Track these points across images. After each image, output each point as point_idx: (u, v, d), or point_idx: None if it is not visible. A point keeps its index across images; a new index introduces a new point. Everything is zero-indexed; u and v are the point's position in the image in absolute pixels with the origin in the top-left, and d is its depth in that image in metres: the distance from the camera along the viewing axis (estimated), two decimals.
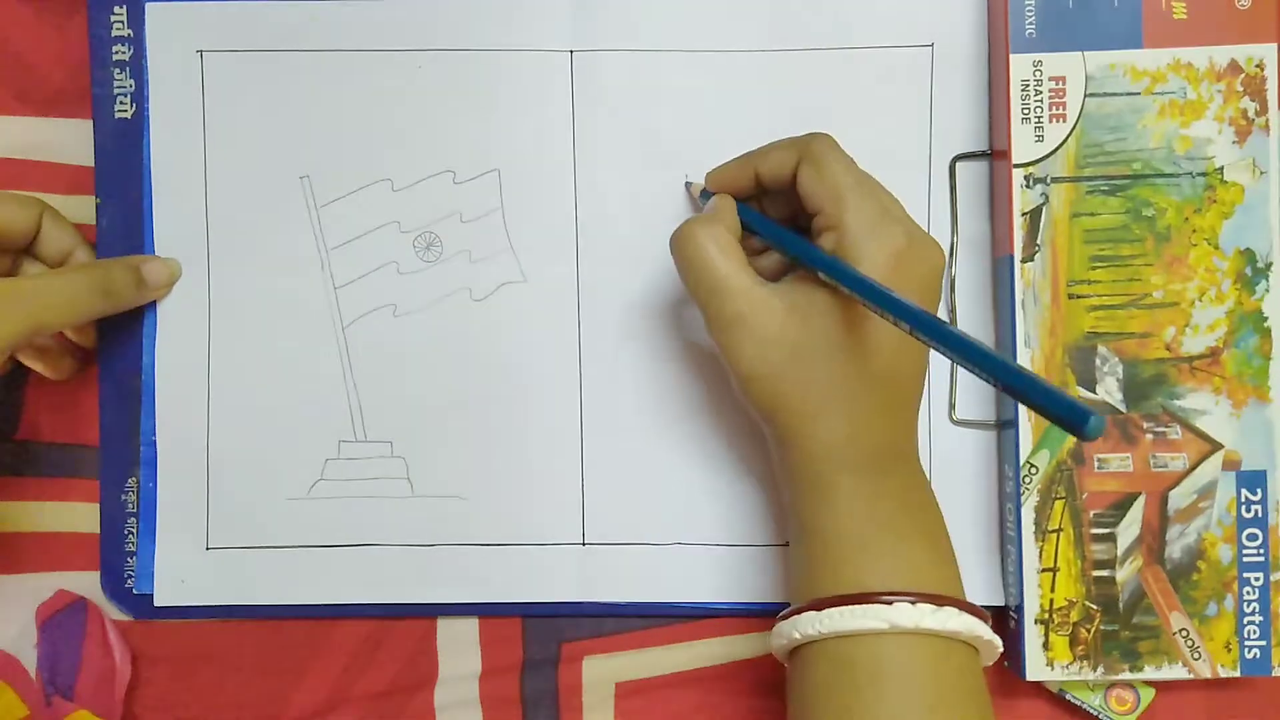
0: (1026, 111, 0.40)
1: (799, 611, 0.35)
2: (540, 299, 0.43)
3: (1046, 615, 0.40)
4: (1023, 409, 0.40)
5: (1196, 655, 0.40)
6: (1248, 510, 0.40)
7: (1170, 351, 0.40)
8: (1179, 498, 0.40)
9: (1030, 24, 0.40)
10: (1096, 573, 0.40)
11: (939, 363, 0.42)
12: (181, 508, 0.43)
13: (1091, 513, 0.40)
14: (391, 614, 0.43)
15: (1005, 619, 0.42)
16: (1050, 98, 0.40)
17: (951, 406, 0.43)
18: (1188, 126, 0.40)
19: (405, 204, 0.43)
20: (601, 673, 0.43)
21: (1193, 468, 0.40)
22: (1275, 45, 0.40)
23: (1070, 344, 0.41)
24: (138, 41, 0.43)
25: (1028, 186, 0.40)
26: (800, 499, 0.36)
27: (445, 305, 0.43)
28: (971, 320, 0.43)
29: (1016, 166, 0.40)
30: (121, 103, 0.43)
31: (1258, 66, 0.40)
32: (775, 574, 0.43)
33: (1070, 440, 0.40)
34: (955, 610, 0.34)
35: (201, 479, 0.43)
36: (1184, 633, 0.40)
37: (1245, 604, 0.40)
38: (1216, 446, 0.40)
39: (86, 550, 0.44)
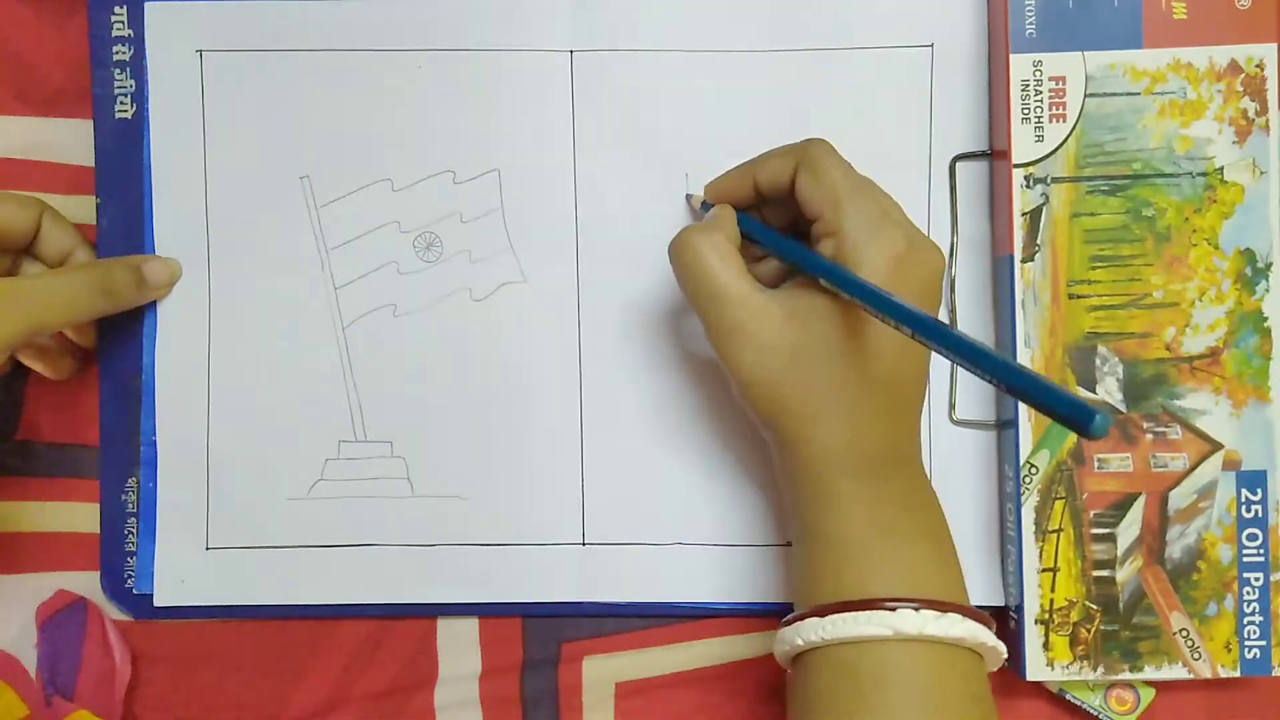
0: (1026, 111, 0.40)
1: (802, 618, 0.35)
2: (540, 299, 0.43)
3: (1046, 615, 0.40)
4: (1023, 409, 0.40)
5: (1196, 655, 0.40)
6: (1248, 510, 0.40)
7: (1170, 351, 0.40)
8: (1179, 498, 0.40)
9: (1030, 24, 0.40)
10: (1096, 573, 0.40)
11: (939, 363, 0.42)
12: (181, 508, 0.43)
13: (1091, 513, 0.40)
14: (391, 614, 0.43)
15: (1005, 619, 0.42)
16: (1050, 98, 0.40)
17: (951, 406, 0.43)
18: (1188, 126, 0.40)
19: (405, 204, 0.43)
20: (601, 673, 0.43)
21: (1193, 468, 0.40)
22: (1275, 45, 0.40)
23: (1070, 344, 0.41)
24: (138, 41, 0.43)
25: (1028, 186, 0.40)
26: (802, 504, 0.36)
27: (445, 305, 0.43)
28: (971, 320, 0.43)
29: (1016, 166, 0.40)
30: (121, 103, 0.43)
31: (1258, 66, 0.40)
32: (775, 574, 0.43)
33: (1070, 440, 0.40)
34: (959, 616, 0.34)
35: (201, 479, 0.43)
36: (1184, 633, 0.40)
37: (1245, 604, 0.40)
38: (1216, 446, 0.40)
39: (86, 550, 0.44)
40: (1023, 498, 0.40)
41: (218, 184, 0.43)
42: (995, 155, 0.42)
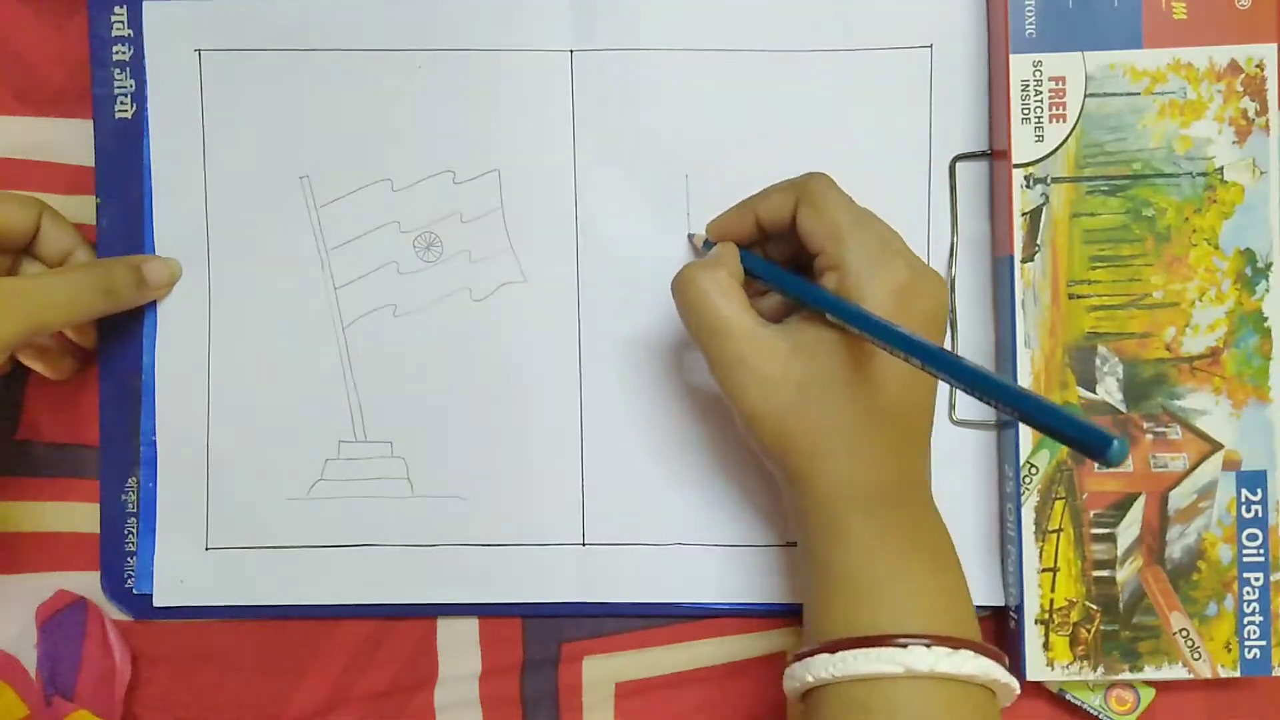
0: (1026, 111, 0.40)
1: (813, 653, 0.35)
2: (540, 299, 0.43)
3: (1046, 615, 0.40)
4: None
5: (1196, 655, 0.40)
6: (1248, 510, 0.40)
7: (1170, 351, 0.40)
8: (1179, 498, 0.40)
9: (1030, 24, 0.40)
10: (1096, 573, 0.40)
11: None
12: (181, 508, 0.43)
13: (1091, 513, 0.40)
14: (391, 614, 0.43)
15: (1005, 619, 0.42)
16: (1050, 98, 0.40)
17: (951, 407, 0.43)
18: (1188, 126, 0.40)
19: (405, 204, 0.43)
20: (601, 673, 0.43)
21: (1193, 468, 0.40)
22: (1275, 45, 0.40)
23: (1070, 344, 0.41)
24: (138, 41, 0.43)
25: (1028, 186, 0.40)
26: (812, 538, 0.36)
27: (445, 305, 0.43)
28: (971, 320, 0.43)
29: (1016, 166, 0.40)
30: (121, 103, 0.43)
31: (1258, 66, 0.40)
32: (775, 574, 0.43)
33: None
34: (971, 653, 0.33)
35: (201, 479, 0.43)
36: (1184, 633, 0.40)
37: (1245, 604, 0.40)
38: (1216, 446, 0.40)
39: (86, 550, 0.44)
40: (1023, 498, 0.40)
41: (218, 184, 0.43)
42: (995, 155, 0.42)
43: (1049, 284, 0.41)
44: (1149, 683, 0.42)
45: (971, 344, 0.43)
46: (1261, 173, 0.40)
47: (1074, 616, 0.40)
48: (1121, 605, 0.40)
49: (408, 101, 0.43)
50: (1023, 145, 0.40)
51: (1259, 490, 0.40)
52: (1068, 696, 0.42)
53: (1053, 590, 0.40)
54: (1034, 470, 0.40)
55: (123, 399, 0.43)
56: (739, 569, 0.43)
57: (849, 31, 0.43)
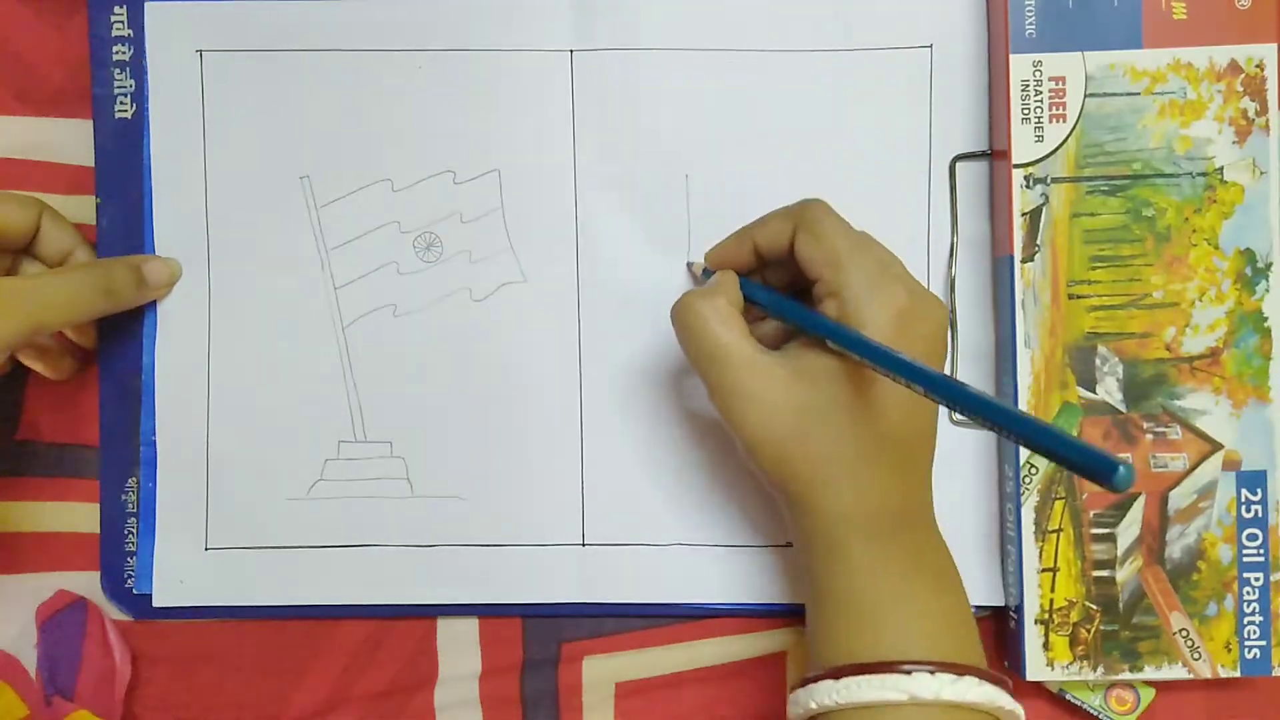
0: (1026, 111, 0.40)
1: (817, 679, 0.34)
2: (540, 299, 0.43)
3: (1046, 615, 0.40)
4: (1023, 408, 0.40)
5: (1196, 655, 0.40)
6: (1248, 510, 0.40)
7: (1170, 351, 0.40)
8: (1179, 498, 0.40)
9: (1030, 24, 0.40)
10: (1096, 573, 0.40)
11: None
12: (181, 508, 0.43)
13: (1091, 513, 0.40)
14: (391, 614, 0.43)
15: (1005, 619, 0.42)
16: (1050, 98, 0.40)
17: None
18: (1188, 126, 0.40)
19: (405, 204, 0.43)
20: (601, 673, 0.43)
21: (1193, 468, 0.40)
22: (1275, 45, 0.40)
23: (1070, 344, 0.41)
24: (138, 41, 0.43)
25: (1028, 186, 0.40)
26: (815, 564, 0.36)
27: (445, 305, 0.43)
28: (971, 320, 0.43)
29: (1016, 166, 0.40)
30: (121, 103, 0.43)
31: (1258, 66, 0.40)
32: (775, 574, 0.43)
33: None
34: (975, 680, 0.33)
35: (201, 479, 0.43)
36: (1184, 633, 0.40)
37: (1245, 604, 0.40)
38: (1216, 446, 0.40)
39: (86, 550, 0.44)
40: (1023, 498, 0.40)
41: (218, 184, 0.43)
42: (995, 155, 0.42)
43: (1049, 284, 0.41)
44: (1149, 683, 0.42)
45: (971, 344, 0.43)
46: (1261, 173, 0.40)
47: (1074, 616, 0.40)
48: (1121, 605, 0.40)
49: (408, 101, 0.43)
50: (1023, 145, 0.40)
51: (1259, 490, 0.40)
52: (1068, 696, 0.42)
53: (1053, 590, 0.40)
54: (1034, 470, 0.40)
55: (123, 399, 0.43)
56: (739, 569, 0.43)
57: (849, 31, 0.43)
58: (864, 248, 0.36)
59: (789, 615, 0.43)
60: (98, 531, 0.44)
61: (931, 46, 0.43)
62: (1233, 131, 0.40)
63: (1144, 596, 0.40)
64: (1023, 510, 0.40)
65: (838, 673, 0.34)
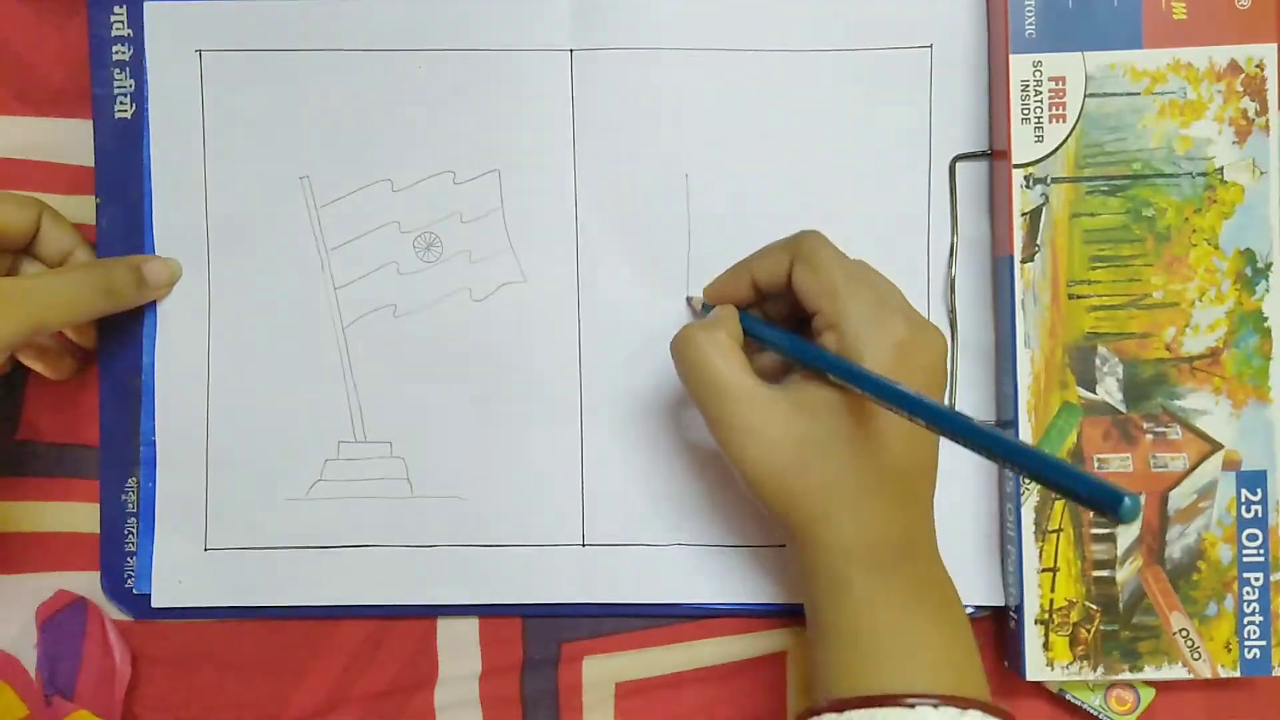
0: (1026, 112, 0.40)
1: (819, 712, 0.34)
2: (540, 299, 0.43)
3: (1046, 615, 0.40)
4: (1023, 408, 0.40)
5: (1196, 655, 0.40)
6: (1248, 510, 0.40)
7: (1170, 351, 0.40)
8: (1179, 498, 0.40)
9: (1030, 24, 0.40)
10: (1096, 573, 0.40)
11: None
12: (181, 508, 0.43)
13: (1091, 513, 0.40)
14: (391, 614, 0.43)
15: (1005, 619, 0.42)
16: (1050, 98, 0.40)
17: (951, 407, 0.43)
18: (1188, 126, 0.40)
19: (405, 204, 0.43)
20: (601, 673, 0.43)
21: (1193, 468, 0.40)
22: (1275, 45, 0.40)
23: (1070, 344, 0.41)
24: (138, 41, 0.43)
25: (1028, 186, 0.40)
26: (818, 596, 0.36)
27: (445, 305, 0.43)
28: (971, 320, 0.43)
29: (1016, 167, 0.40)
30: (121, 103, 0.43)
31: (1258, 66, 0.40)
32: (775, 574, 0.43)
33: (1070, 440, 0.40)
34: (979, 714, 0.33)
35: (201, 479, 0.43)
36: (1184, 633, 0.40)
37: (1245, 604, 0.40)
38: (1216, 446, 0.40)
39: (86, 550, 0.44)
40: (1023, 498, 0.40)
41: (218, 184, 0.43)
42: (995, 155, 0.42)
43: (1049, 284, 0.41)
44: (1149, 683, 0.42)
45: (971, 344, 0.43)
46: (1261, 173, 0.40)
47: (1074, 616, 0.40)
48: (1121, 605, 0.40)
49: (408, 101, 0.43)
50: (1023, 145, 0.40)
51: (1259, 490, 0.40)
52: (1068, 696, 0.42)
53: (1052, 590, 0.40)
54: None
55: (123, 399, 0.43)
56: (739, 569, 0.43)
57: (849, 31, 0.43)
58: (861, 279, 0.36)
59: (789, 615, 0.43)
60: (98, 531, 0.44)
61: (931, 46, 0.43)
62: (1233, 131, 0.40)
63: (1144, 596, 0.40)
64: (1023, 510, 0.40)
65: (840, 705, 0.34)
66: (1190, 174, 0.40)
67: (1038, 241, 0.41)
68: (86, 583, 0.44)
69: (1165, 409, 0.40)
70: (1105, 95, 0.40)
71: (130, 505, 0.43)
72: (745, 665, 0.44)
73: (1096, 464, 0.40)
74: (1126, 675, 0.41)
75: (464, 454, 0.43)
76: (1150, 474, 0.40)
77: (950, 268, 0.43)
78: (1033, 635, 0.40)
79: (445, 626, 0.44)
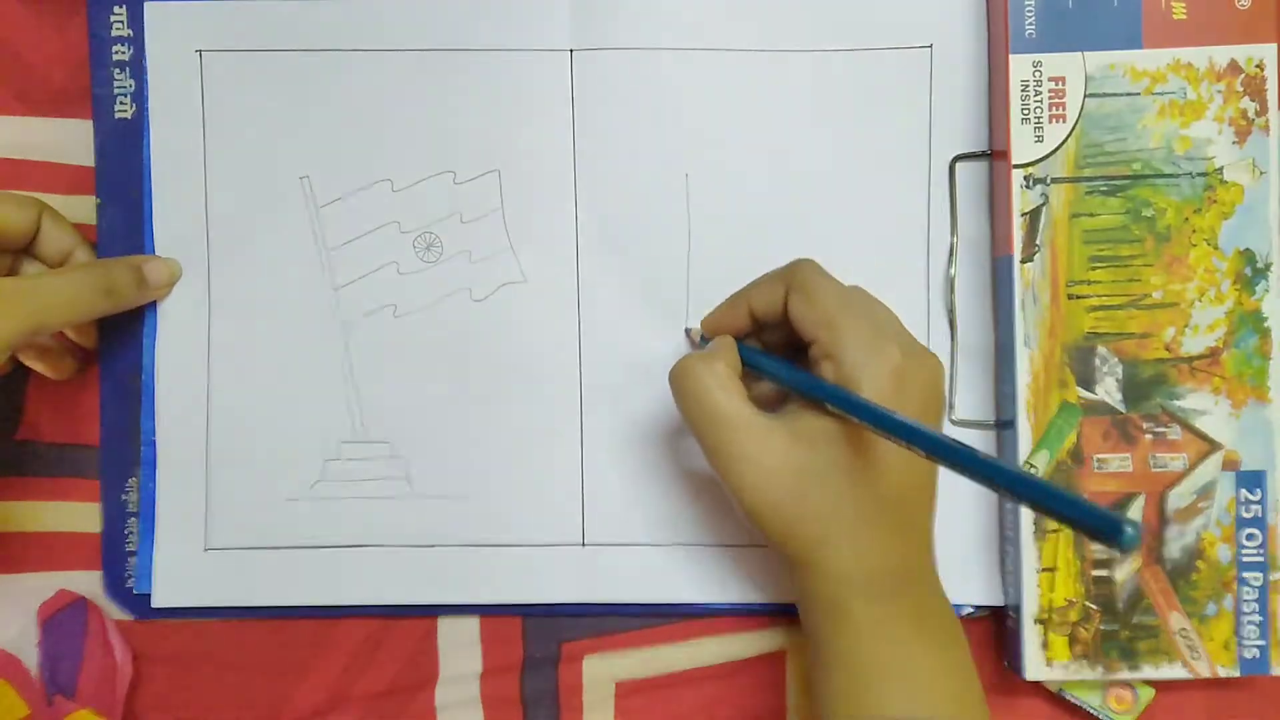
0: (1026, 112, 0.40)
1: None
2: (540, 299, 0.43)
3: (1045, 615, 0.40)
4: (1023, 408, 0.40)
5: (1195, 655, 0.40)
6: (1247, 510, 0.40)
7: (1170, 352, 0.40)
8: (1178, 498, 0.40)
9: (1030, 24, 0.40)
10: (1095, 572, 0.40)
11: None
12: (181, 508, 0.43)
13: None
14: (392, 614, 0.43)
15: (1004, 619, 0.42)
16: (1050, 98, 0.40)
17: (951, 407, 0.43)
18: (1188, 127, 0.40)
19: (405, 204, 0.43)
20: (601, 672, 0.43)
21: (1192, 468, 0.40)
22: (1275, 45, 0.40)
23: (1070, 344, 0.41)
24: (138, 41, 0.43)
25: (1027, 187, 0.40)
26: (818, 625, 0.36)
27: (445, 305, 0.43)
28: (971, 320, 0.43)
29: (1016, 167, 0.40)
30: (121, 103, 0.43)
31: (1258, 66, 0.40)
32: (775, 574, 0.43)
33: (1070, 440, 0.40)
34: None
35: (201, 479, 0.43)
36: (1183, 632, 0.40)
37: (1244, 604, 0.40)
38: (1216, 446, 0.40)
39: (87, 550, 0.44)
40: None
41: (218, 184, 0.43)
42: (995, 155, 0.42)
43: (1048, 284, 0.41)
44: (1148, 682, 0.42)
45: (971, 344, 0.43)
46: (1261, 173, 0.40)
47: (1073, 616, 0.40)
48: (1120, 605, 0.40)
49: (408, 101, 0.43)
50: (1022, 145, 0.40)
51: (1258, 490, 0.40)
52: (1067, 696, 0.42)
53: (1051, 590, 0.40)
54: (1033, 470, 0.40)
55: (123, 399, 0.43)
56: (739, 569, 0.43)
57: (849, 31, 0.43)
58: (857, 307, 0.36)
59: (789, 615, 0.43)
60: (98, 531, 0.44)
61: (931, 46, 0.43)
62: (1232, 132, 0.40)
63: (1143, 596, 0.40)
64: (1021, 510, 0.40)
65: None
66: (1190, 174, 0.40)
67: (1037, 241, 0.41)
68: (87, 582, 0.44)
69: (1165, 409, 0.40)
70: (1105, 95, 0.40)
71: (131, 505, 0.43)
72: (745, 665, 0.44)
73: (1096, 464, 0.40)
74: (1125, 675, 0.41)
75: (464, 454, 0.43)
76: (1149, 474, 0.41)
77: (950, 267, 0.43)
78: (1032, 634, 0.40)
79: (446, 626, 0.44)
